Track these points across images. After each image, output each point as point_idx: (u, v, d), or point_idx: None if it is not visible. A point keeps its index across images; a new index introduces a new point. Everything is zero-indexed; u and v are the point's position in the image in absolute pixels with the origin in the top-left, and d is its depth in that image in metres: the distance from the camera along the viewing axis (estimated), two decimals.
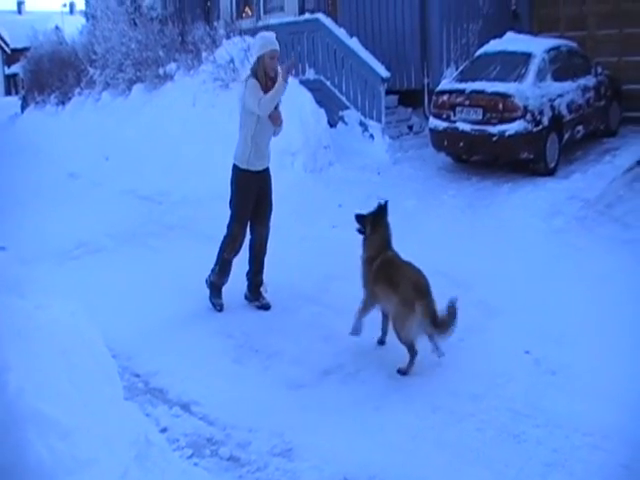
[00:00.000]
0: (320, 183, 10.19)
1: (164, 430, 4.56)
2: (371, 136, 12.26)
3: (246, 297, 6.72)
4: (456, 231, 8.28)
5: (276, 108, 6.31)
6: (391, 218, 8.73)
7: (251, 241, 6.64)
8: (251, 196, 6.43)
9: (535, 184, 9.75)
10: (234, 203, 6.43)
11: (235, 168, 6.43)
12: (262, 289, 6.68)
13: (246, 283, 6.69)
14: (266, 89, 6.10)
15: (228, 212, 6.52)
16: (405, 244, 7.37)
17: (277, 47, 6.21)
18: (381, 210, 5.73)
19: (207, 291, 6.64)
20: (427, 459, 4.28)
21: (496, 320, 6.09)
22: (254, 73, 6.21)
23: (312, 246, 7.83)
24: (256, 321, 6.26)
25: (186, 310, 6.46)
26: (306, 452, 4.38)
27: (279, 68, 6.17)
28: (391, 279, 5.45)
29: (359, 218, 5.76)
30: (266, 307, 6.61)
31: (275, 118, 6.34)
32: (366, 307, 5.69)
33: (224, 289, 6.66)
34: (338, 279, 6.99)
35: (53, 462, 2.99)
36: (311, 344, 5.80)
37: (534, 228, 8.20)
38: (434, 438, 4.51)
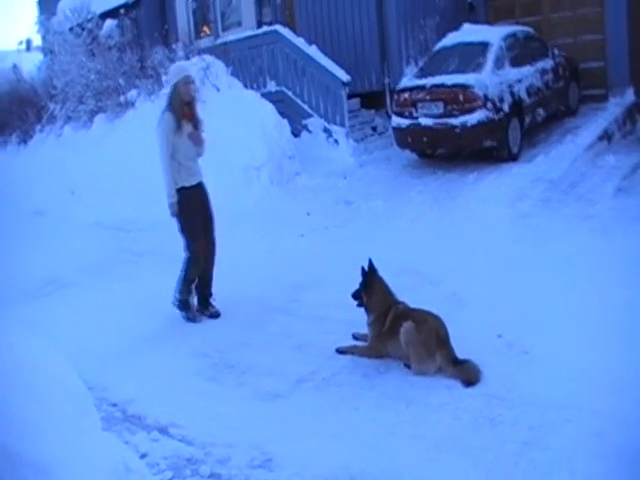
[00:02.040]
0: (287, 194, 10.24)
1: (144, 456, 4.56)
2: (335, 141, 12.33)
3: (197, 310, 6.85)
4: (424, 227, 8.35)
5: (197, 129, 6.57)
6: (359, 220, 8.95)
7: None
8: (195, 211, 6.58)
9: (500, 171, 9.85)
10: (183, 225, 6.60)
11: None
12: (211, 300, 6.82)
13: (195, 296, 6.82)
14: (182, 115, 6.43)
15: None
16: (373, 245, 7.52)
17: (190, 73, 6.61)
18: (368, 273, 5.72)
19: (177, 312, 6.77)
20: (403, 453, 4.32)
21: (467, 310, 6.15)
22: (170, 103, 6.47)
23: (281, 258, 7.87)
24: (229, 338, 6.28)
25: (160, 334, 6.48)
26: (285, 461, 4.39)
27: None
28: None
29: (354, 295, 5.77)
30: (215, 315, 6.75)
31: (196, 139, 6.57)
32: (366, 356, 5.64)
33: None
34: (307, 288, 7.07)
35: None
36: (284, 354, 5.84)
37: (500, 215, 8.28)
38: (410, 432, 4.54)
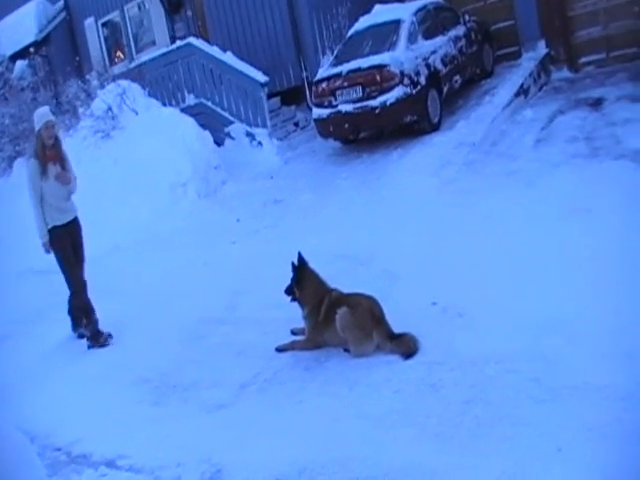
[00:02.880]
0: (215, 204, 10.17)
1: None
2: (259, 144, 12.27)
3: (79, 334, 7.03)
4: (353, 211, 8.35)
5: (64, 168, 6.78)
6: (289, 217, 8.90)
7: None
8: (68, 247, 6.81)
9: (422, 143, 9.89)
10: (59, 260, 6.80)
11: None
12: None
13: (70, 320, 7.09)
14: (47, 159, 6.67)
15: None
16: (305, 238, 7.47)
17: (51, 117, 6.80)
18: (298, 266, 5.66)
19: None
20: (350, 436, 4.29)
21: (401, 284, 6.16)
22: (35, 149, 6.74)
23: (215, 268, 7.74)
24: (170, 358, 6.12)
25: (100, 369, 6.23)
26: (235, 469, 4.32)
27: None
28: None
29: (287, 291, 5.72)
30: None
31: (63, 179, 6.75)
32: (305, 349, 5.61)
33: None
34: (244, 293, 6.99)
35: None
36: (226, 363, 5.73)
37: (426, 185, 8.32)
38: (354, 413, 4.53)
